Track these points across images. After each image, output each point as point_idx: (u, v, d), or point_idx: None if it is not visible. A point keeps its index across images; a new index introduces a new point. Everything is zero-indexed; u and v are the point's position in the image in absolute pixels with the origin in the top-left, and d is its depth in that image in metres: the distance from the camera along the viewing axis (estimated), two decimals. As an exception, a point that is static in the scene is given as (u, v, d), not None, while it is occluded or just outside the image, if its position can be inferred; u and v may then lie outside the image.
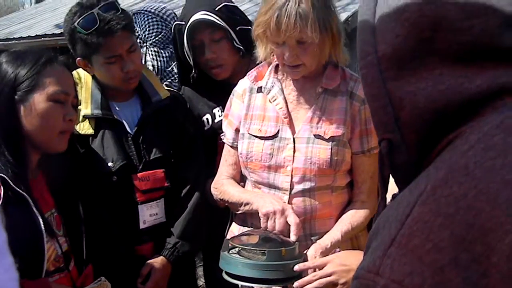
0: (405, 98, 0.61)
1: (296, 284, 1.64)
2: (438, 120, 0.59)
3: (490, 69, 0.57)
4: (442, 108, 0.58)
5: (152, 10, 2.65)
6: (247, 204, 1.81)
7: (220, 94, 2.15)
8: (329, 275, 1.61)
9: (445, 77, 0.58)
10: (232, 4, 2.27)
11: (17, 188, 1.52)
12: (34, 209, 1.56)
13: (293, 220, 1.68)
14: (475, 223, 0.48)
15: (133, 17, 2.43)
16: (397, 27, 0.62)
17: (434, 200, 0.52)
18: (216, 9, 2.17)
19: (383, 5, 0.64)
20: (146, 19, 2.58)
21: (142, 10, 2.61)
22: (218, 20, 2.15)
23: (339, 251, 1.78)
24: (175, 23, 2.32)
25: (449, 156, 0.56)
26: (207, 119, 2.32)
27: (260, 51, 1.82)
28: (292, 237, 1.67)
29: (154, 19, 2.60)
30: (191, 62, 2.25)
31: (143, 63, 2.47)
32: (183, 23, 2.21)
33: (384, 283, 0.51)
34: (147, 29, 2.57)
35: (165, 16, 2.66)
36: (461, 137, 0.57)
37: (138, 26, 2.57)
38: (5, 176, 1.50)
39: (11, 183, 1.51)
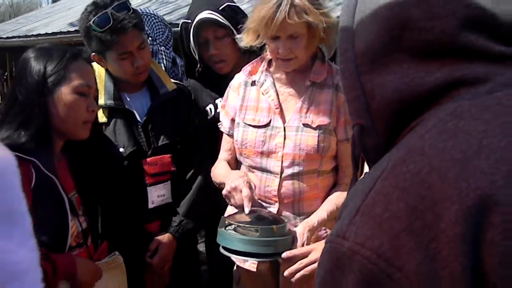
0: (375, 89, 0.63)
1: (285, 273, 1.66)
2: (403, 109, 0.61)
3: (448, 64, 0.58)
4: (407, 98, 0.60)
5: (154, 13, 2.64)
6: (224, 184, 1.80)
7: (222, 86, 2.15)
8: (315, 262, 1.60)
9: (410, 70, 0.60)
10: (234, 4, 2.28)
11: (46, 172, 1.53)
12: (61, 190, 1.58)
13: (245, 193, 1.67)
14: (427, 195, 0.50)
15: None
16: (371, 27, 0.64)
17: (394, 176, 0.54)
18: (220, 8, 2.18)
19: (361, 7, 0.66)
20: (152, 20, 2.57)
21: (146, 12, 2.59)
22: (221, 19, 2.16)
23: (325, 229, 1.80)
24: (182, 21, 2.32)
25: (409, 139, 0.58)
26: (210, 108, 2.34)
27: (245, 39, 1.82)
28: (246, 210, 1.66)
29: (158, 20, 2.59)
30: (197, 57, 2.27)
31: (155, 59, 2.49)
32: (190, 21, 2.22)
33: (349, 245, 0.53)
34: (155, 29, 2.58)
35: (163, 20, 2.66)
36: (421, 123, 0.58)
37: (147, 26, 2.57)
38: (36, 161, 1.51)
39: (41, 167, 1.52)
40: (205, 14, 2.16)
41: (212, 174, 1.98)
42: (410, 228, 0.50)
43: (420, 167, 0.52)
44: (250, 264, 1.84)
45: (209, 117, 2.33)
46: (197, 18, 2.17)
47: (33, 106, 1.59)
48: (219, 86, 2.27)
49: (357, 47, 0.65)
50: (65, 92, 1.62)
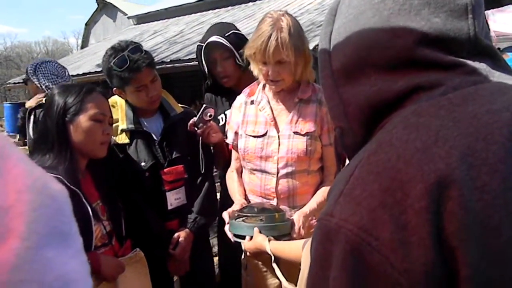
0: (350, 98, 0.63)
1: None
2: (374, 112, 0.61)
3: (408, 74, 0.59)
4: (376, 103, 0.60)
5: None
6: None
7: (230, 101, 2.16)
8: None
9: (377, 81, 0.60)
10: (239, 32, 2.29)
11: (71, 186, 1.52)
12: (84, 200, 1.58)
13: (237, 203, 1.82)
14: (396, 177, 0.51)
15: None
16: (344, 49, 0.64)
17: (368, 164, 0.54)
18: (226, 35, 2.20)
19: (335, 34, 0.67)
20: None
21: None
22: (226, 42, 2.18)
23: (315, 219, 1.79)
24: (197, 44, 2.34)
25: (380, 134, 0.58)
26: (222, 117, 2.34)
27: (254, 68, 1.83)
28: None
29: None
30: (206, 73, 2.30)
31: None
32: (202, 44, 2.25)
33: (335, 221, 0.53)
34: None
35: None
36: (389, 122, 0.59)
37: None
38: (61, 177, 1.50)
39: (66, 182, 1.51)
40: (213, 38, 2.20)
41: (226, 181, 2.00)
42: (383, 204, 0.50)
43: (389, 155, 0.53)
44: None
45: (221, 124, 2.32)
46: (207, 41, 2.20)
47: (57, 133, 1.61)
48: (227, 101, 2.30)
49: (333, 65, 0.65)
50: (83, 120, 1.63)
